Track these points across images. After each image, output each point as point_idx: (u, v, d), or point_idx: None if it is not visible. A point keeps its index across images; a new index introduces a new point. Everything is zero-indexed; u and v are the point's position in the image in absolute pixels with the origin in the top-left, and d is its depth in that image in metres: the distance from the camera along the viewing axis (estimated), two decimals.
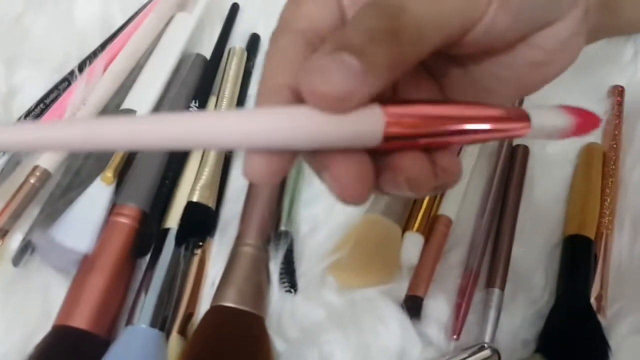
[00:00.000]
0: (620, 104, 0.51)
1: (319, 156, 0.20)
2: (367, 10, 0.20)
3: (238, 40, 0.54)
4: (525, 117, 0.23)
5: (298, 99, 0.20)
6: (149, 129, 0.18)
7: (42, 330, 0.36)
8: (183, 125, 0.18)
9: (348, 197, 0.20)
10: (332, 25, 0.23)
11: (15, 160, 0.41)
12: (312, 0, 0.23)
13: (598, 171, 0.47)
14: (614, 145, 0.49)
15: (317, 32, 0.23)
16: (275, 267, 0.39)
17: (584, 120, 0.24)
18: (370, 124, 0.19)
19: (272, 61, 0.22)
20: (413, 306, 0.39)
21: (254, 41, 0.53)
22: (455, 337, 0.39)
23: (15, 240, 0.39)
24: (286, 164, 0.20)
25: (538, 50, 0.24)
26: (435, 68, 0.26)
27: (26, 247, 0.38)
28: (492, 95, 0.26)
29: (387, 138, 0.20)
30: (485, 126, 0.22)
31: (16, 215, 0.39)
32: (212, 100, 0.48)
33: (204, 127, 0.18)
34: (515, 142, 0.48)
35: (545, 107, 0.24)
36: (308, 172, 0.45)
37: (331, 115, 0.19)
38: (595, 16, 0.25)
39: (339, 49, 0.18)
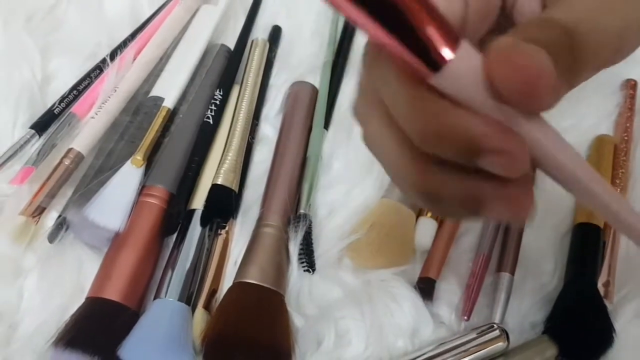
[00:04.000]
0: (632, 97, 0.52)
1: None
2: (542, 23, 0.19)
3: (260, 32, 0.55)
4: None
5: None
6: None
7: (76, 301, 0.38)
8: None
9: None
10: (456, 21, 0.21)
11: (51, 143, 0.43)
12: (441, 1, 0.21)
13: (609, 162, 0.48)
14: (626, 138, 0.50)
15: None
16: (294, 248, 0.41)
17: None
18: None
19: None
20: (426, 287, 0.41)
21: (275, 33, 0.55)
22: (465, 317, 0.40)
23: (50, 219, 0.42)
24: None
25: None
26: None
27: (61, 225, 0.40)
28: None
29: None
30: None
31: (52, 195, 0.41)
32: (236, 89, 0.50)
33: None
34: None
35: None
36: (326, 159, 0.47)
37: None
38: None
39: (530, 41, 0.17)
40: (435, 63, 0.17)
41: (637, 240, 0.21)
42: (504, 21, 0.25)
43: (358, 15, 0.16)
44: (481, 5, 0.22)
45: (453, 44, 0.17)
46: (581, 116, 0.51)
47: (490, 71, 0.17)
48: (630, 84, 0.53)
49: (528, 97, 0.17)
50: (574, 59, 0.18)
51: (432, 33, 0.16)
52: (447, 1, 0.21)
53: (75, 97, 0.47)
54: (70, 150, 0.42)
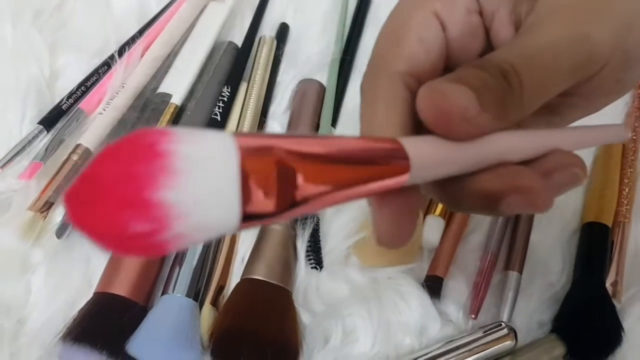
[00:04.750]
0: None
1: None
2: (477, 64, 0.20)
3: (268, 29, 0.56)
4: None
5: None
6: None
7: (84, 297, 0.38)
8: None
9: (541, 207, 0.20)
10: (433, 68, 0.22)
11: (59, 139, 0.43)
12: (416, 35, 0.22)
13: (617, 161, 0.48)
14: (634, 137, 0.50)
15: (417, 77, 0.22)
16: (302, 245, 0.41)
17: None
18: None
19: (374, 109, 0.22)
20: (433, 285, 0.41)
21: (283, 30, 0.55)
22: (473, 316, 0.40)
23: (58, 214, 0.42)
24: (412, 225, 0.21)
25: (618, 82, 0.23)
26: None
27: (69, 220, 0.40)
28: (558, 120, 0.26)
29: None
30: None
31: (59, 190, 0.41)
32: (243, 86, 0.50)
33: None
34: None
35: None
36: None
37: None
38: None
39: (458, 81, 0.19)
40: (402, 170, 0.18)
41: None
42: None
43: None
44: (462, 27, 0.23)
45: (401, 166, 0.18)
46: (589, 115, 0.51)
47: (418, 110, 0.19)
48: (638, 84, 0.53)
49: (446, 128, 0.19)
50: (510, 95, 0.19)
51: (380, 162, 0.18)
52: (424, 29, 0.22)
53: (83, 93, 0.47)
54: (78, 146, 0.42)
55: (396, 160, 0.18)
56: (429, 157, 0.19)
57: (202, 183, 0.13)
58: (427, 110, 0.19)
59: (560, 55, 0.20)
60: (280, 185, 0.15)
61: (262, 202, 0.14)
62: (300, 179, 0.15)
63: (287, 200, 0.15)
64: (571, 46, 0.20)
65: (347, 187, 0.17)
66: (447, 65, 0.24)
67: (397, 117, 0.21)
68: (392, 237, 0.20)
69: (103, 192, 0.12)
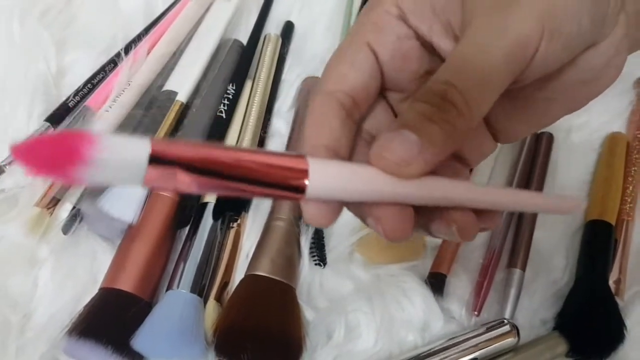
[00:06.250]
0: None
1: (364, 205, 0.23)
2: (418, 96, 0.21)
3: (273, 28, 0.56)
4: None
5: (334, 156, 0.23)
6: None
7: (89, 292, 0.39)
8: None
9: (390, 235, 0.22)
10: (364, 85, 0.25)
11: None
12: (349, 61, 0.25)
13: (621, 159, 0.48)
14: (638, 135, 0.50)
15: (348, 93, 0.24)
16: (305, 242, 0.41)
17: None
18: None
19: (310, 121, 0.24)
20: (436, 282, 0.41)
21: (288, 28, 0.55)
22: (476, 313, 0.41)
23: (64, 210, 0.42)
24: (338, 210, 0.22)
25: (585, 70, 0.24)
26: None
27: (75, 217, 0.41)
28: (540, 116, 0.26)
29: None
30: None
31: (66, 187, 0.42)
32: (248, 83, 0.50)
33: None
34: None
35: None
36: None
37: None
38: (636, 30, 0.25)
39: (401, 127, 0.21)
40: (300, 189, 0.19)
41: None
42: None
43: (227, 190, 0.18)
44: (392, 52, 0.25)
45: (301, 174, 0.19)
46: (594, 114, 0.51)
47: (372, 163, 0.21)
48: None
49: (399, 175, 0.21)
50: (454, 112, 0.21)
51: (277, 178, 0.19)
52: (355, 54, 0.24)
53: (90, 91, 0.48)
54: None
55: (295, 179, 0.19)
56: (331, 184, 0.20)
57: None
58: (381, 165, 0.21)
59: (490, 52, 0.21)
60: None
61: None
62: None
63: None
64: (498, 39, 0.21)
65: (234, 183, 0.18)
66: (387, 86, 0.26)
67: (323, 129, 0.24)
68: (317, 216, 0.22)
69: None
